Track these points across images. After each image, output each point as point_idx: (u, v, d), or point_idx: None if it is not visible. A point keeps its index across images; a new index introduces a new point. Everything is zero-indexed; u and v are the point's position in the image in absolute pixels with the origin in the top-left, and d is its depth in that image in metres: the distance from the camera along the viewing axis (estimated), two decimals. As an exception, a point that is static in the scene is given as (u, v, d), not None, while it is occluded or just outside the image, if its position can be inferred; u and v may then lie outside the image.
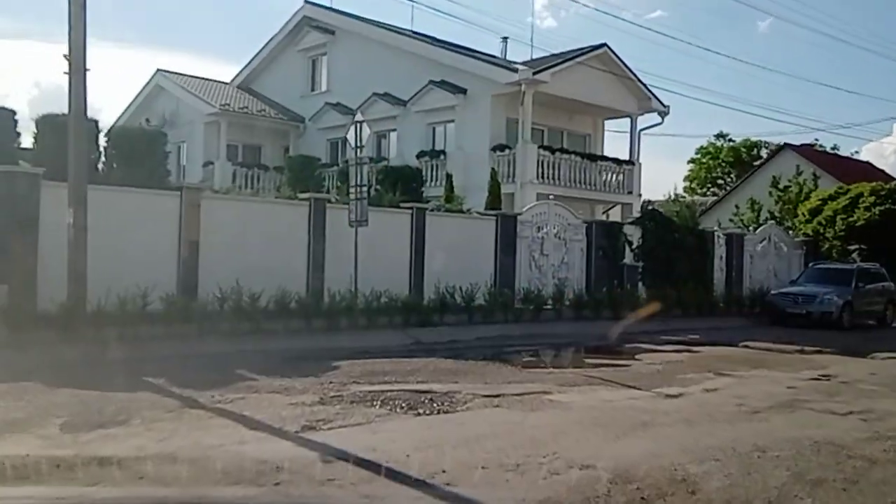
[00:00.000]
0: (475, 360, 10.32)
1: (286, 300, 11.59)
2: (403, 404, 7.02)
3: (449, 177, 19.41)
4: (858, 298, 18.62)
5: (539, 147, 21.32)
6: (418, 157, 22.54)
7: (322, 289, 13.03)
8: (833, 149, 49.33)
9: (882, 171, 40.76)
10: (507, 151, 21.21)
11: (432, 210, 15.95)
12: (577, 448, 5.54)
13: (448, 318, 13.84)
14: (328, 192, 17.45)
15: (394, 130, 24.43)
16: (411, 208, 15.18)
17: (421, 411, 6.78)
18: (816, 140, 48.26)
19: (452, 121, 22.54)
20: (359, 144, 12.99)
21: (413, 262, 15.02)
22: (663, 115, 23.86)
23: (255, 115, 26.30)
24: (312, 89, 27.29)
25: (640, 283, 18.92)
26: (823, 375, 9.95)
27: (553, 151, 21.74)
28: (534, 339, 13.17)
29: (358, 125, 13.05)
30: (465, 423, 6.35)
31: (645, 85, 23.54)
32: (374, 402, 7.04)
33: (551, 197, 18.47)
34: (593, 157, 22.99)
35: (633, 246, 19.18)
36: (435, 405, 7.05)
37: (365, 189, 12.86)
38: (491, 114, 21.71)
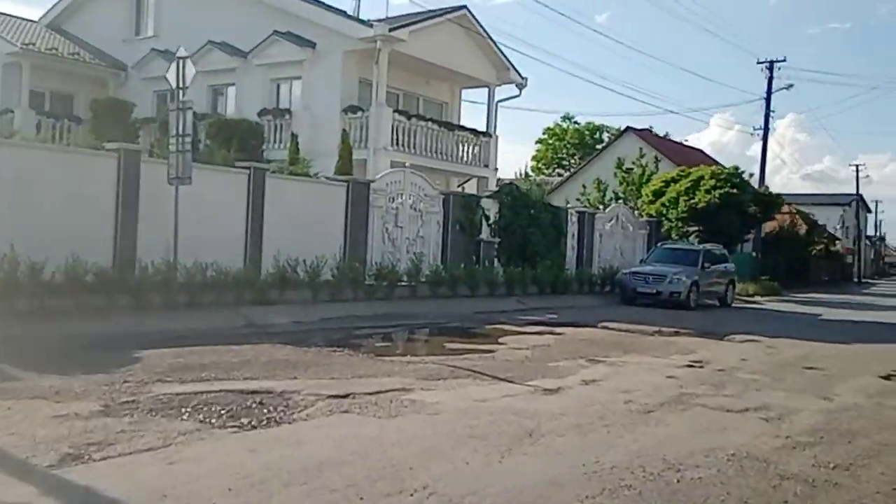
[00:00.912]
0: (320, 348, 8.72)
1: (79, 272, 9.29)
2: (222, 412, 5.32)
3: (294, 137, 17.43)
4: (704, 279, 18.87)
5: (394, 111, 19.78)
6: (260, 115, 20.27)
7: (134, 259, 10.80)
8: (665, 136, 51.79)
9: (713, 159, 43.12)
10: (359, 114, 19.49)
11: (274, 172, 14.00)
12: (453, 476, 4.15)
13: (290, 296, 12.05)
14: (151, 148, 14.92)
15: (232, 85, 21.89)
16: (248, 168, 13.15)
17: (244, 423, 5.11)
18: (651, 127, 50.36)
19: (299, 77, 20.43)
20: (181, 85, 10.79)
21: (250, 230, 13.03)
22: (521, 87, 23.13)
23: (66, 58, 22.64)
24: (137, 33, 23.96)
25: (496, 260, 18.05)
26: (696, 361, 9.31)
27: (409, 117, 20.29)
28: (388, 320, 11.72)
29: (180, 62, 10.83)
30: (304, 441, 4.77)
31: (504, 55, 22.64)
32: (182, 411, 5.28)
33: (407, 165, 17.03)
34: (451, 126, 21.82)
35: (490, 221, 18.25)
36: (265, 413, 5.41)
37: (188, 140, 10.69)
38: (342, 72, 19.85)
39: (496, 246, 18.12)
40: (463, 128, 22.28)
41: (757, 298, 24.85)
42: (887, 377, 8.84)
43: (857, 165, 69.56)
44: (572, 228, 21.45)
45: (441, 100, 23.45)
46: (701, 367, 8.95)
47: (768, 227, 38.73)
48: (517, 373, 7.76)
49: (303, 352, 8.28)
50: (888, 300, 29.49)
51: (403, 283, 14.34)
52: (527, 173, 44.55)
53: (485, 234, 18.04)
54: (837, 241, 57.76)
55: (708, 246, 20.68)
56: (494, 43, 22.23)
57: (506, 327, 12.08)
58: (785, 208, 42.79)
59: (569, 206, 23.20)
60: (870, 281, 61.41)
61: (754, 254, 30.94)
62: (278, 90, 21.09)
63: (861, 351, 11.23)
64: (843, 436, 5.73)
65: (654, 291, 18.22)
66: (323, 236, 13.70)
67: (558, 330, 12.09)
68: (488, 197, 18.74)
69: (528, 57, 62.43)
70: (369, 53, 19.23)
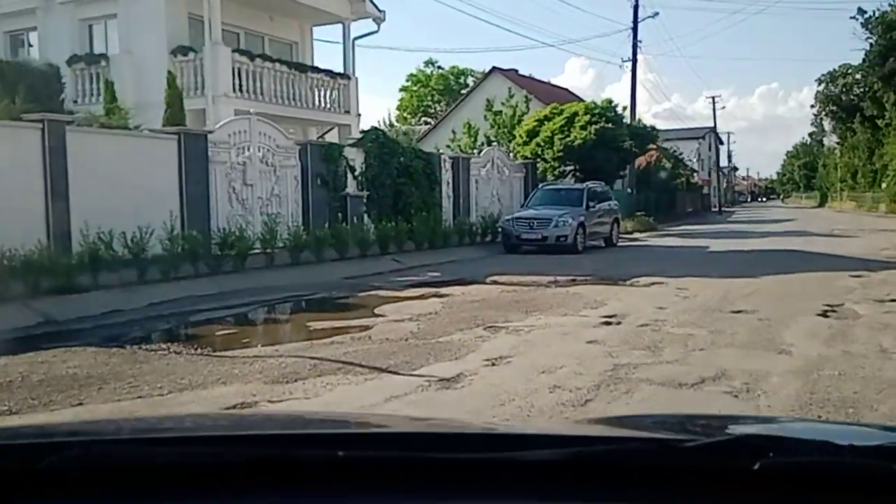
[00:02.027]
0: (135, 347, 6.46)
1: None
2: None
3: (109, 85, 14.42)
4: (589, 219, 17.73)
5: (234, 51, 17.03)
6: (70, 63, 16.94)
7: None
8: (530, 76, 50.97)
9: (580, 98, 42.64)
10: (191, 56, 16.61)
11: (80, 125, 11.20)
12: None
13: (106, 279, 9.49)
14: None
15: (33, 30, 18.26)
16: (41, 121, 10.31)
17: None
18: (516, 69, 49.31)
19: (114, 15, 17.18)
20: None
21: (51, 200, 10.28)
22: (379, 21, 20.81)
23: None
24: None
25: (366, 216, 16.01)
26: (611, 316, 7.81)
27: (252, 58, 17.59)
28: (237, 298, 9.48)
29: None
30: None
31: (357, -16, 20.19)
32: None
33: (252, 112, 14.50)
34: (303, 68, 19.27)
35: (357, 173, 16.13)
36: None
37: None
38: (166, 7, 16.79)
39: (365, 200, 16.07)
40: (317, 69, 19.79)
41: (636, 235, 24.31)
42: (824, 314, 7.71)
43: (713, 97, 71.72)
44: (447, 176, 19.72)
45: (290, 39, 20.76)
46: (619, 323, 7.45)
47: (639, 162, 38.88)
48: (402, 357, 5.89)
49: (106, 357, 6.01)
50: (755, 226, 30.09)
51: (257, 251, 12.04)
52: (391, 123, 42.53)
53: (351, 187, 15.93)
54: (696, 174, 59.90)
55: (590, 184, 19.58)
56: (346, -30, 19.74)
57: (382, 293, 10.17)
58: (651, 145, 43.41)
59: (441, 152, 21.39)
60: (728, 210, 64.37)
61: (630, 190, 30.62)
62: (91, 32, 17.73)
63: (773, 284, 10.22)
64: (841, 407, 4.29)
65: (540, 237, 16.88)
66: (150, 202, 11.08)
67: (444, 290, 10.33)
68: (352, 146, 16.57)
69: None
70: (198, -17, 16.29)
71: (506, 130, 29.00)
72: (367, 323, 7.74)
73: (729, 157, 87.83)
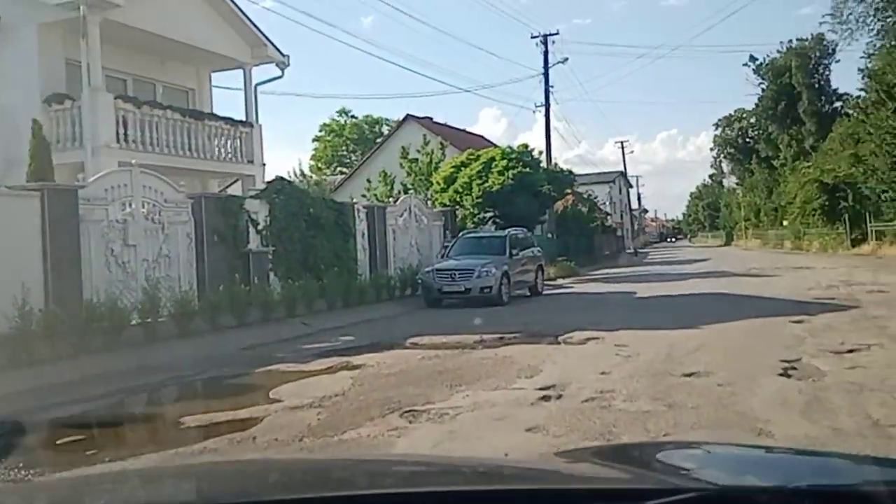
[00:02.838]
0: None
1: None
2: None
3: (-36, 136, 12.57)
4: (514, 268, 16.79)
5: (118, 98, 15.41)
6: (-75, 114, 14.89)
7: None
8: (445, 124, 50.73)
9: (495, 144, 42.43)
10: (68, 104, 14.90)
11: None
12: None
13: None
14: None
15: None
16: None
17: None
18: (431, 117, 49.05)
19: (-22, 61, 15.31)
20: None
21: None
22: (283, 66, 19.59)
23: None
24: None
25: (272, 274, 14.54)
26: (549, 387, 6.67)
27: (140, 105, 16.00)
28: (100, 386, 7.83)
29: None
30: None
31: (258, 28, 18.99)
32: None
33: (133, 163, 12.89)
34: (199, 116, 17.75)
35: (260, 226, 14.69)
36: None
37: None
38: (39, 51, 15.07)
39: (270, 257, 14.62)
40: (216, 117, 18.30)
41: (560, 281, 23.62)
42: (785, 373, 6.80)
43: (622, 142, 74.10)
44: (361, 227, 18.48)
45: (186, 86, 19.24)
46: (560, 396, 6.32)
47: (557, 206, 38.73)
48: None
49: None
50: (674, 267, 30.04)
51: (136, 323, 10.38)
52: (303, 173, 41.18)
53: (254, 243, 14.45)
54: (609, 217, 60.79)
55: (513, 231, 18.71)
56: (243, 12, 18.51)
57: (284, 367, 8.74)
58: (570, 191, 43.50)
59: (354, 201, 20.17)
60: (642, 251, 65.47)
61: (550, 235, 30.12)
62: (-50, 79, 15.73)
63: (717, 337, 9.37)
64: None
65: (463, 289, 15.78)
66: (2, 270, 9.36)
67: (357, 359, 8.99)
68: (254, 197, 15.14)
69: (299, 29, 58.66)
70: (75, 25, 14.70)
71: (423, 178, 28.14)
72: (257, 413, 6.32)
73: (638, 199, 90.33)
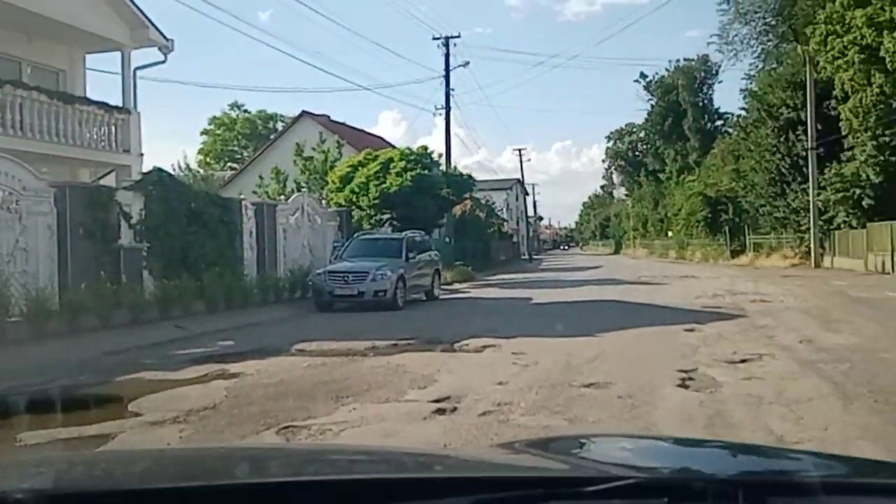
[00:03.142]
0: None
1: None
2: None
3: None
4: (410, 271, 16.27)
5: (-29, 73, 13.81)
6: None
7: None
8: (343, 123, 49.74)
9: (392, 144, 41.90)
10: None
11: None
12: None
13: None
14: None
15: None
16: None
17: None
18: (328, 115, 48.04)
19: None
20: None
21: None
22: (166, 51, 18.25)
23: None
24: None
25: (146, 272, 13.39)
26: (444, 399, 6.19)
27: (1, 85, 14.41)
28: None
29: None
30: None
31: (139, 8, 17.61)
32: None
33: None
34: (69, 99, 16.24)
35: (133, 220, 13.50)
36: None
37: None
38: None
39: (144, 253, 13.46)
40: (88, 101, 16.80)
41: (457, 286, 23.33)
42: (683, 384, 6.62)
43: (519, 150, 74.68)
44: (249, 225, 17.47)
45: (56, 66, 17.59)
46: (455, 409, 5.84)
47: (455, 211, 38.63)
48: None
49: None
50: (568, 274, 30.46)
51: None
52: (188, 166, 39.15)
53: (126, 238, 13.26)
54: (506, 223, 61.56)
55: (410, 233, 18.20)
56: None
57: (151, 375, 7.85)
58: (468, 196, 43.56)
59: (242, 197, 19.08)
60: (537, 257, 66.69)
61: (448, 239, 29.87)
62: None
63: (614, 345, 9.19)
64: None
65: (356, 292, 15.12)
66: None
67: (234, 367, 8.20)
68: (128, 189, 13.92)
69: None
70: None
71: (318, 177, 27.26)
72: (109, 429, 5.49)
73: (534, 207, 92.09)
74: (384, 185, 22.36)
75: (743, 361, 7.70)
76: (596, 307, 14.60)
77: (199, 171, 41.52)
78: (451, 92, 28.72)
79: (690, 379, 6.82)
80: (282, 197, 24.16)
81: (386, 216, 23.93)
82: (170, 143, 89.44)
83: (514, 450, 1.92)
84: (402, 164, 22.69)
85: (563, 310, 14.45)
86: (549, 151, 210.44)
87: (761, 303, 14.40)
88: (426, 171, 22.60)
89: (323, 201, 24.06)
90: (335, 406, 6.08)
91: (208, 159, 52.95)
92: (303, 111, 37.61)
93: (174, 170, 22.92)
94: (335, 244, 19.07)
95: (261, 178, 28.42)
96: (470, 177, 25.77)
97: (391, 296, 15.12)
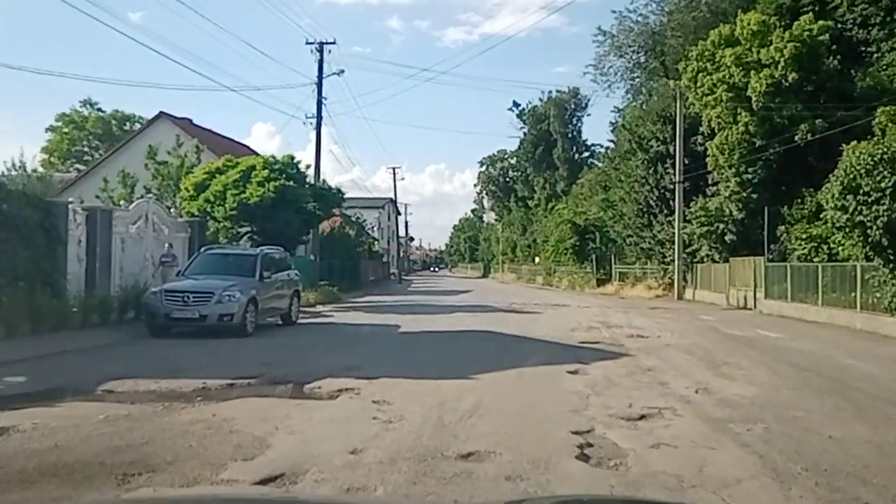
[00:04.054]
0: None
1: None
2: None
3: None
4: (264, 293, 14.34)
5: None
6: None
7: None
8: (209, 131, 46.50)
9: (259, 154, 39.34)
10: None
11: None
12: None
13: None
14: None
15: None
16: None
17: None
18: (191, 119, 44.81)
19: None
20: None
21: None
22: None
23: None
24: None
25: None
26: (272, 479, 4.57)
27: None
28: None
29: None
30: None
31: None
32: None
33: None
34: None
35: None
36: None
37: None
38: None
39: (-78, 262, 10.83)
40: None
41: (320, 308, 21.53)
42: (582, 453, 5.35)
43: (393, 168, 73.74)
44: (78, 233, 14.99)
45: None
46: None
47: (323, 227, 36.73)
48: None
49: None
50: (438, 298, 29.34)
51: None
52: (23, 164, 34.85)
53: None
54: (377, 242, 60.05)
55: (266, 250, 16.26)
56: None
57: None
58: (335, 211, 41.68)
59: (71, 201, 16.43)
60: (406, 279, 65.56)
61: (314, 257, 27.93)
62: None
63: (493, 392, 7.86)
64: None
65: (197, 315, 13.04)
66: None
67: (7, 417, 6.16)
68: None
69: None
70: None
71: (171, 183, 24.63)
72: None
73: (406, 227, 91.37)
74: (243, 196, 20.26)
75: (642, 418, 6.58)
76: (470, 339, 13.35)
77: (36, 171, 37.09)
78: (324, 101, 27.03)
79: (589, 445, 5.58)
80: (125, 202, 21.48)
81: (245, 229, 21.79)
82: (16, 138, 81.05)
83: None
84: (265, 173, 20.69)
85: (434, 341, 13.09)
86: (423, 173, 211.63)
87: (639, 338, 13.69)
88: (291, 183, 20.71)
89: (173, 210, 21.61)
90: (116, 493, 4.30)
91: (52, 159, 47.87)
92: (161, 112, 34.45)
93: (7, 168, 19.57)
94: (163, 258, 16.80)
95: (105, 181, 25.42)
96: (339, 191, 24.06)
97: (239, 320, 13.16)
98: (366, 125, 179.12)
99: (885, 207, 12.46)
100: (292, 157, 22.05)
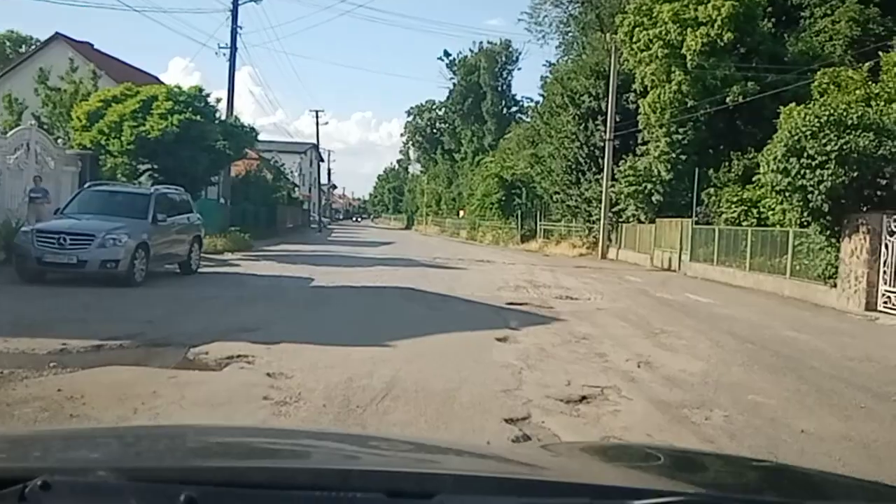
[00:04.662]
0: None
1: None
2: None
3: None
4: (157, 237, 12.69)
5: None
6: None
7: None
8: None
9: (156, 77, 36.38)
10: None
11: None
12: None
13: None
14: None
15: None
16: None
17: None
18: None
19: None
20: None
21: None
22: None
23: None
24: None
25: None
26: None
27: None
28: None
29: None
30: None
31: None
32: None
33: None
34: None
35: None
36: None
37: None
38: None
39: None
40: None
41: (227, 256, 19.94)
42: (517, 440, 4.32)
43: (316, 112, 69.09)
44: (-59, 161, 12.94)
45: None
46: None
47: (236, 169, 34.61)
48: None
49: None
50: (358, 249, 28.06)
51: None
52: None
53: None
54: (297, 188, 57.81)
55: (163, 189, 14.53)
56: None
57: None
58: (252, 153, 39.36)
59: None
60: (328, 227, 63.69)
61: (224, 200, 26.02)
62: None
63: (411, 363, 6.75)
64: None
65: (76, 261, 11.33)
66: None
67: None
68: None
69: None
70: None
71: (64, 111, 22.20)
72: None
73: (329, 174, 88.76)
74: (142, 129, 18.22)
75: (584, 400, 5.65)
76: (389, 296, 12.21)
77: None
78: (239, 30, 24.77)
79: (527, 438, 4.57)
80: (9, 130, 19.08)
81: (146, 167, 19.78)
82: None
83: (562, 453, 1.99)
84: (169, 104, 18.65)
85: (348, 298, 11.88)
86: (350, 120, 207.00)
87: (569, 300, 12.90)
88: (198, 117, 18.77)
89: (61, 140, 19.41)
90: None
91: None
92: (56, 33, 31.18)
93: None
94: (31, 193, 14.90)
95: (-11, 106, 22.77)
96: (252, 129, 22.15)
97: (126, 268, 11.54)
98: (288, 64, 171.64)
99: (829, 171, 11.93)
100: (200, 90, 19.99)
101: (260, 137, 24.82)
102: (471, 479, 1.28)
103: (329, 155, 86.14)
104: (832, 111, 12.42)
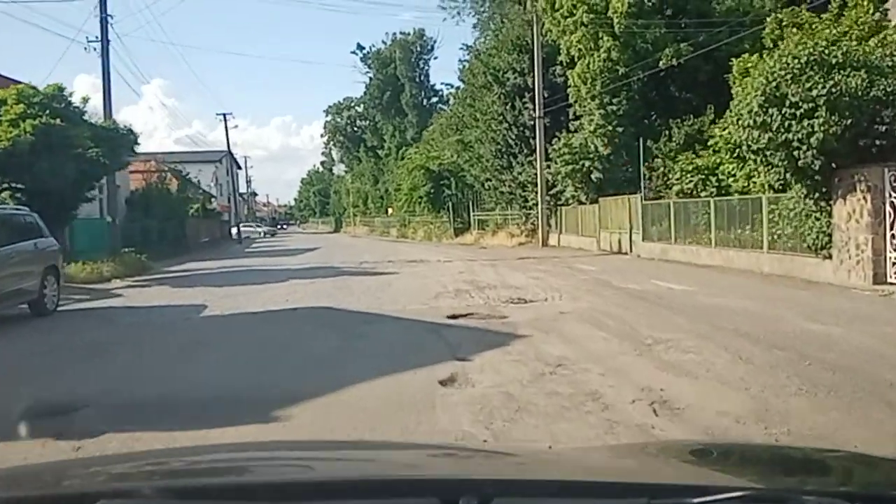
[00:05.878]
0: None
1: None
2: None
3: None
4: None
5: None
6: None
7: None
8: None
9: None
10: None
11: None
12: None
13: None
14: None
15: None
16: None
17: None
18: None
19: None
20: None
21: None
22: None
23: None
24: None
25: None
26: None
27: None
28: None
29: None
30: None
31: None
32: None
33: None
34: None
35: None
36: None
37: None
38: None
39: None
40: None
41: (114, 283, 16.82)
42: None
43: (224, 115, 62.83)
44: None
45: None
46: None
47: (135, 184, 31.18)
48: None
49: None
50: (278, 260, 25.17)
51: None
52: None
53: None
54: (213, 199, 53.96)
55: (4, 209, 11.47)
56: None
57: None
58: (154, 165, 35.73)
59: None
60: (252, 237, 60.01)
61: (111, 219, 22.67)
62: None
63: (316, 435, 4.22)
64: None
65: None
66: None
67: None
68: None
69: None
70: None
71: None
72: None
73: (248, 182, 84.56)
74: (-11, 140, 14.96)
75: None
76: (297, 323, 9.57)
77: None
78: (110, 18, 21.43)
79: None
80: None
81: (2, 185, 16.45)
82: None
83: (619, 453, 1.99)
84: (20, 108, 15.40)
85: (242, 332, 9.17)
86: (269, 126, 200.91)
87: (522, 304, 10.55)
88: (58, 121, 15.58)
89: None
90: None
91: None
92: None
93: None
94: None
95: None
96: (130, 131, 18.85)
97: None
98: (182, 61, 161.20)
99: (821, 121, 9.94)
100: (61, 88, 16.71)
101: (173, 149, 21.62)
102: (526, 482, 1.29)
103: (246, 161, 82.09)
104: (812, 49, 10.44)
